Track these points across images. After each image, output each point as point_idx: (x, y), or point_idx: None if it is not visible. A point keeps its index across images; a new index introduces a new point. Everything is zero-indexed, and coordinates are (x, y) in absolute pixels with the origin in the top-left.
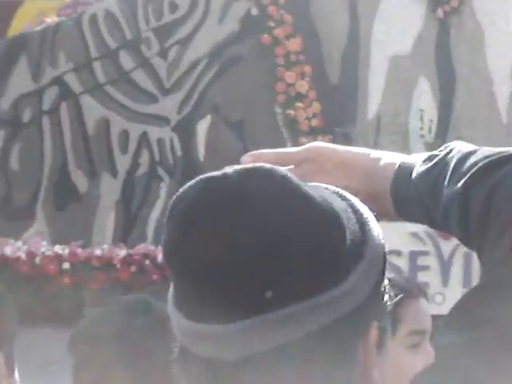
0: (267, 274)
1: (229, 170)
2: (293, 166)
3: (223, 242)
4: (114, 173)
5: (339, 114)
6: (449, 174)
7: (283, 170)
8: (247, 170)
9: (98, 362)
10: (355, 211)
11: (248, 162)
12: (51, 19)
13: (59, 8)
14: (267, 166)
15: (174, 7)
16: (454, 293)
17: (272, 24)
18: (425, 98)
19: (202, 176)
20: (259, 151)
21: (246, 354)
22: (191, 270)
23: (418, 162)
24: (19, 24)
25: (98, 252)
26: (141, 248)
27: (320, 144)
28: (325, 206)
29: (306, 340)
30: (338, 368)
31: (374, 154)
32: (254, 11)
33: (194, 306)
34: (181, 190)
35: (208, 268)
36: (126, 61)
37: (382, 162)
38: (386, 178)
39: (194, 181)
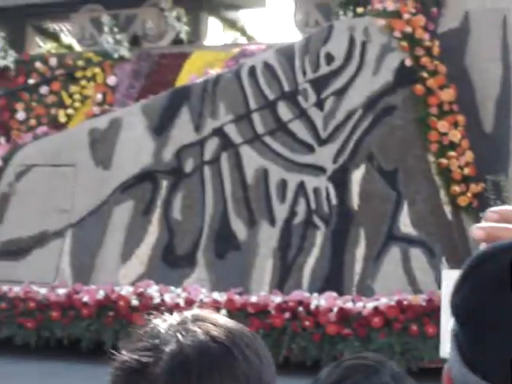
0: None
1: None
2: None
3: None
4: (271, 221)
5: (491, 163)
6: None
7: None
8: None
9: None
10: None
11: (493, 218)
12: (215, 71)
13: (225, 59)
14: None
15: (330, 59)
16: None
17: (425, 74)
18: None
19: None
20: (506, 207)
21: None
22: (502, 335)
23: None
24: (186, 75)
25: (253, 299)
26: (295, 295)
27: None
28: None
29: None
30: None
31: None
32: (408, 62)
33: (503, 373)
34: (487, 248)
35: None
36: (284, 112)
37: None
38: None
39: (507, 242)
